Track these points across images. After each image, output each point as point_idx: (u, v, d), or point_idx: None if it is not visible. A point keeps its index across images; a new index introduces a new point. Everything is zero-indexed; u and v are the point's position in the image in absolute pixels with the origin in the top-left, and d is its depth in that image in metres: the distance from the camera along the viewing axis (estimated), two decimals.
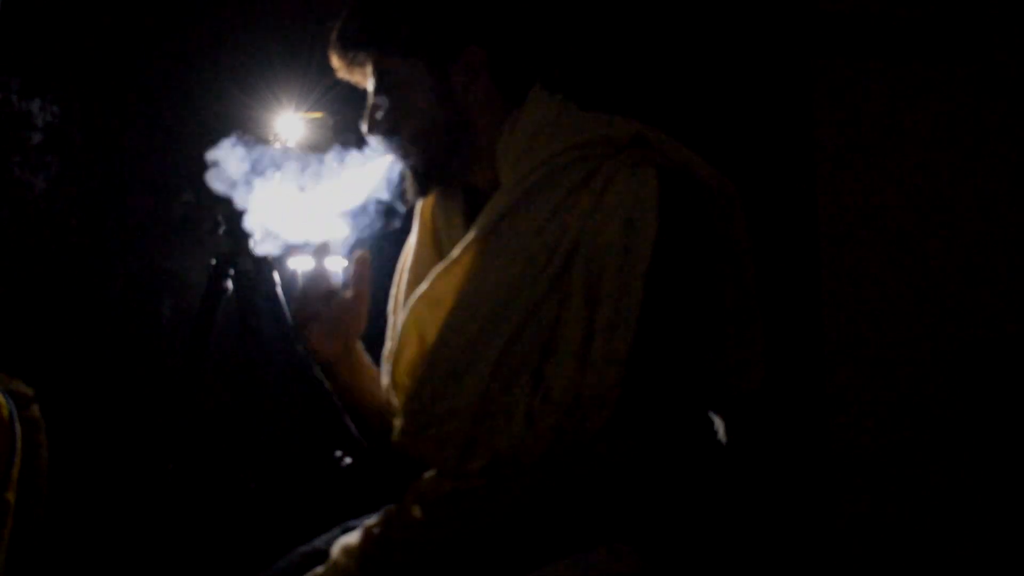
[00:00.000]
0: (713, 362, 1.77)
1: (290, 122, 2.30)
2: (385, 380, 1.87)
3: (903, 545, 3.26)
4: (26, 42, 3.09)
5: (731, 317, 1.78)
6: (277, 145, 2.26)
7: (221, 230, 2.39)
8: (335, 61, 1.84)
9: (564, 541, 1.65)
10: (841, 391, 3.27)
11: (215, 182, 1.89)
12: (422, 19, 1.78)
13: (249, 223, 1.90)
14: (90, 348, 3.12)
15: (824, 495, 3.25)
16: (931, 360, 3.28)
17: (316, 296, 1.89)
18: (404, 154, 1.82)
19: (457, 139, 1.80)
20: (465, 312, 1.74)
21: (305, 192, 1.88)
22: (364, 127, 1.84)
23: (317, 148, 2.12)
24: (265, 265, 2.40)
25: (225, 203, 1.92)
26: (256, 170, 1.89)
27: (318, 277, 1.89)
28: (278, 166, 1.90)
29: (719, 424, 1.79)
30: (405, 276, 1.92)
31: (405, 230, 1.94)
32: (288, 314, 2.37)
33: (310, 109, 2.35)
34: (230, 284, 2.43)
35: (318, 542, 1.86)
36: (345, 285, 1.90)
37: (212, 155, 1.89)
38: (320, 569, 1.75)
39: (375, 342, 1.93)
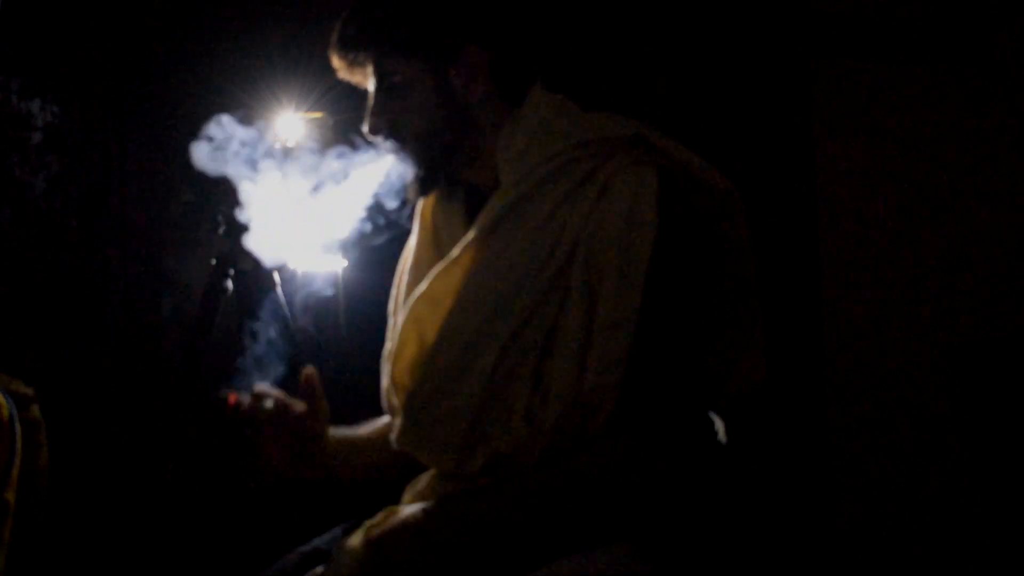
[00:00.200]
0: (713, 362, 1.76)
1: (290, 122, 2.30)
2: (385, 380, 1.87)
3: (903, 545, 3.26)
4: (26, 42, 3.09)
5: (731, 317, 1.78)
6: (277, 145, 2.26)
7: (221, 230, 2.39)
8: (335, 62, 1.84)
9: (564, 541, 1.65)
10: (840, 390, 3.27)
11: (209, 163, 1.84)
12: (422, 19, 1.78)
13: (249, 237, 1.88)
14: (90, 348, 3.12)
15: (824, 495, 3.25)
16: (931, 360, 3.28)
17: (278, 433, 1.78)
18: (405, 154, 1.82)
19: (457, 139, 1.80)
20: (465, 312, 1.74)
21: (305, 193, 1.87)
22: (365, 127, 1.84)
23: (317, 148, 2.12)
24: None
25: (225, 203, 1.91)
26: (255, 167, 1.89)
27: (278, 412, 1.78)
28: (278, 166, 1.89)
29: (719, 424, 1.79)
30: (406, 277, 1.92)
31: (406, 231, 1.94)
32: (288, 314, 2.37)
33: (310, 109, 2.35)
34: (230, 284, 2.43)
35: (318, 542, 1.86)
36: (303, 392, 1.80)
37: (208, 133, 1.85)
38: (320, 569, 1.76)
39: (375, 342, 1.93)
